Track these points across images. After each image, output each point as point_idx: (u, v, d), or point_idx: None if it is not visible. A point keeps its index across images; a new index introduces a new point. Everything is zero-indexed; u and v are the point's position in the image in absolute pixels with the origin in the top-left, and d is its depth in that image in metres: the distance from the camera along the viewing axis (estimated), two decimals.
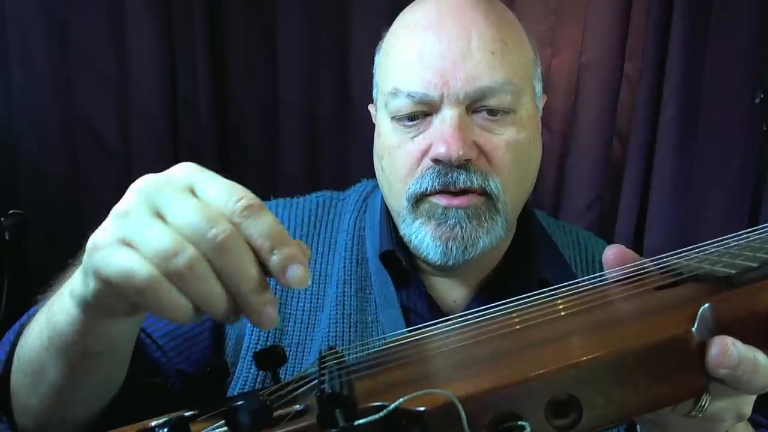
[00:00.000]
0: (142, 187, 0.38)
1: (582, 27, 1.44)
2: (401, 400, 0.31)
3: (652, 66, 1.37)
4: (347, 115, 1.57)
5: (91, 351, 0.45)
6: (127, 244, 0.36)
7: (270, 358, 0.40)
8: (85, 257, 0.38)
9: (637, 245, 1.44)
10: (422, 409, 0.31)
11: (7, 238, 1.32)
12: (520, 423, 0.31)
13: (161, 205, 0.37)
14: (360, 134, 1.52)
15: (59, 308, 0.45)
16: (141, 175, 0.40)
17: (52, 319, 0.46)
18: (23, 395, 0.52)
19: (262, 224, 0.36)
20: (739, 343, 0.36)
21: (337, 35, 1.55)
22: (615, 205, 1.47)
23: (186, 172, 0.39)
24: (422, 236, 0.65)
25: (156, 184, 0.38)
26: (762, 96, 1.22)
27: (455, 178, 0.63)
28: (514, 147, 0.65)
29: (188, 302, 0.35)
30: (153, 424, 0.36)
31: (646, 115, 1.39)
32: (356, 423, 0.30)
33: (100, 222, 0.40)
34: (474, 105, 0.64)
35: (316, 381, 0.38)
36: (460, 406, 0.30)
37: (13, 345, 0.54)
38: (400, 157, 0.66)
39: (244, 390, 0.66)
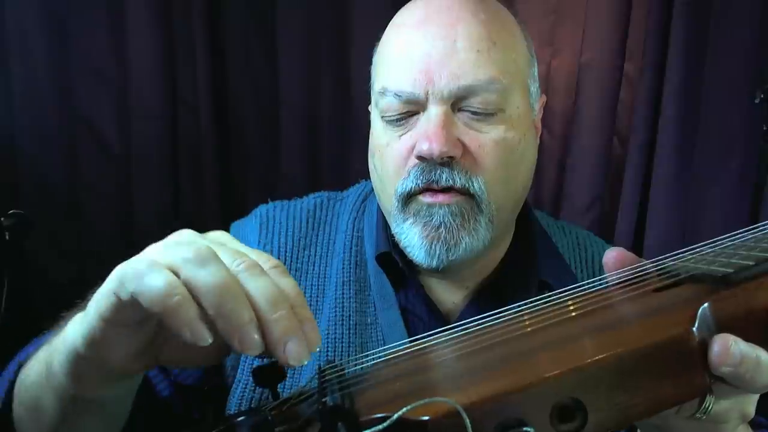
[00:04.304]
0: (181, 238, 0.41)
1: (582, 27, 1.44)
2: (404, 410, 0.30)
3: (652, 66, 1.36)
4: (347, 116, 1.57)
5: (87, 399, 0.45)
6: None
7: (269, 375, 0.40)
8: (117, 281, 0.38)
9: (637, 245, 1.44)
10: (426, 418, 0.30)
11: (7, 238, 1.32)
12: (525, 429, 0.31)
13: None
14: (360, 134, 1.51)
15: (56, 350, 0.44)
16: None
17: (49, 360, 0.46)
18: (25, 428, 0.52)
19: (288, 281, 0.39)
20: (740, 341, 0.36)
21: (337, 35, 1.55)
22: (615, 205, 1.46)
23: (216, 234, 0.43)
24: (411, 237, 0.66)
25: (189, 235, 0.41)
26: (762, 96, 1.22)
27: (438, 176, 0.63)
28: (501, 146, 0.65)
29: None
30: None
31: (646, 115, 1.38)
32: None
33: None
34: (459, 103, 0.64)
35: (316, 395, 0.38)
36: (465, 414, 0.30)
37: (15, 377, 0.54)
38: (389, 155, 0.67)
39: (245, 394, 0.66)
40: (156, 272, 0.35)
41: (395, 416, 0.30)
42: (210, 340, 0.35)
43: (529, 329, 0.40)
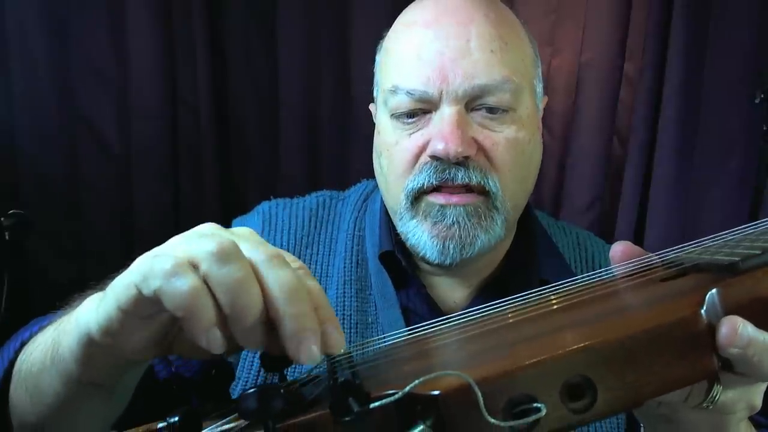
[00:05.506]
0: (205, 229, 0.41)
1: (582, 27, 1.44)
2: (417, 381, 0.30)
3: (652, 66, 1.36)
4: (347, 116, 1.57)
5: (94, 383, 0.44)
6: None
7: (277, 360, 0.40)
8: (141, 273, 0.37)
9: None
10: (437, 393, 0.30)
11: (7, 238, 1.32)
12: (535, 405, 0.31)
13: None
14: (360, 134, 1.52)
15: (66, 333, 0.44)
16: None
17: (57, 342, 0.45)
18: (21, 410, 0.51)
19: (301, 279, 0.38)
20: (748, 324, 0.36)
21: (337, 35, 1.55)
22: (615, 205, 1.46)
23: (242, 230, 0.42)
24: (419, 234, 0.65)
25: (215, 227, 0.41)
26: (762, 96, 1.22)
27: (453, 175, 0.63)
28: (514, 145, 0.65)
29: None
30: (161, 425, 0.36)
31: (646, 115, 1.39)
32: (371, 406, 0.30)
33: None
34: (473, 103, 0.64)
35: (325, 377, 0.38)
36: (476, 388, 0.30)
37: (14, 357, 0.54)
38: (398, 153, 0.67)
39: (245, 390, 0.66)
40: (181, 275, 0.35)
41: (406, 389, 0.30)
42: (224, 349, 0.35)
43: (538, 314, 0.40)
